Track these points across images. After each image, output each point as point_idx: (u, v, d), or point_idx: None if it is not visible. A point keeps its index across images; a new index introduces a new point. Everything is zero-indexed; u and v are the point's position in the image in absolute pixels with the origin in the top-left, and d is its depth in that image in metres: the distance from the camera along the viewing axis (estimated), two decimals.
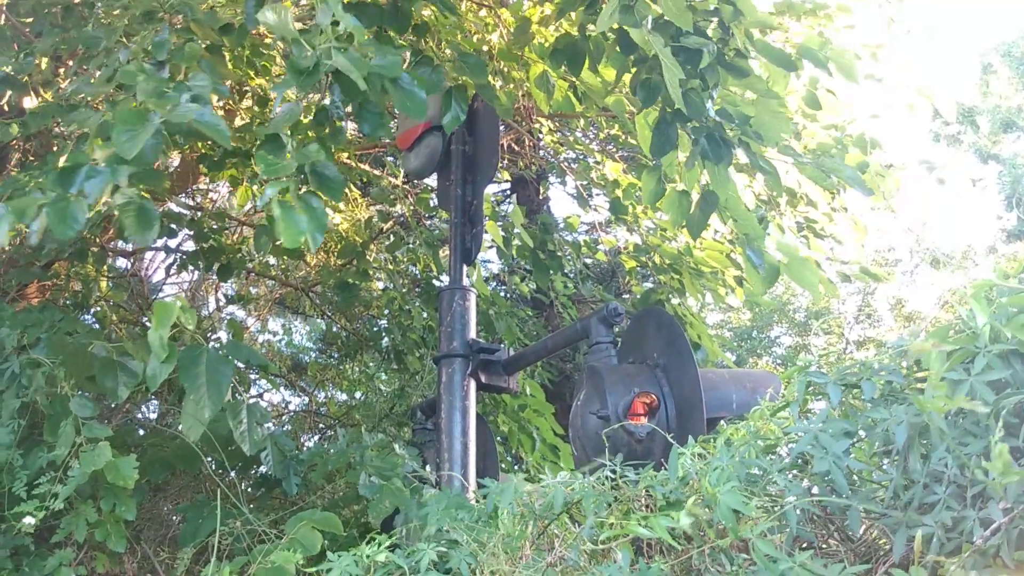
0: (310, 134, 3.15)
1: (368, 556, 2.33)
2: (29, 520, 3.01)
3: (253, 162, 5.30)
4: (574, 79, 4.79)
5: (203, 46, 3.20)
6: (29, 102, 4.47)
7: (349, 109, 3.23)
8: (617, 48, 3.67)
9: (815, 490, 1.92)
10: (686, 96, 3.31)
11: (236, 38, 3.34)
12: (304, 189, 2.81)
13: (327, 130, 3.13)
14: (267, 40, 5.16)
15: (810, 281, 4.00)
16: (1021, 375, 1.65)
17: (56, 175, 2.78)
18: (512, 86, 5.24)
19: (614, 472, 2.25)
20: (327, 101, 3.06)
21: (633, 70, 3.68)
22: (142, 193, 2.86)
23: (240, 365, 4.07)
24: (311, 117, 3.28)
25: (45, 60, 4.37)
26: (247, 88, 5.79)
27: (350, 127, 7.54)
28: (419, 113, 3.00)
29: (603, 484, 2.28)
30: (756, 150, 3.59)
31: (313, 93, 3.09)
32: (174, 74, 3.02)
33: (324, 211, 2.81)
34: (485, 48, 5.08)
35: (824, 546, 2.05)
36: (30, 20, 4.45)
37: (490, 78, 5.10)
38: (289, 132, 2.86)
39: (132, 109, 2.68)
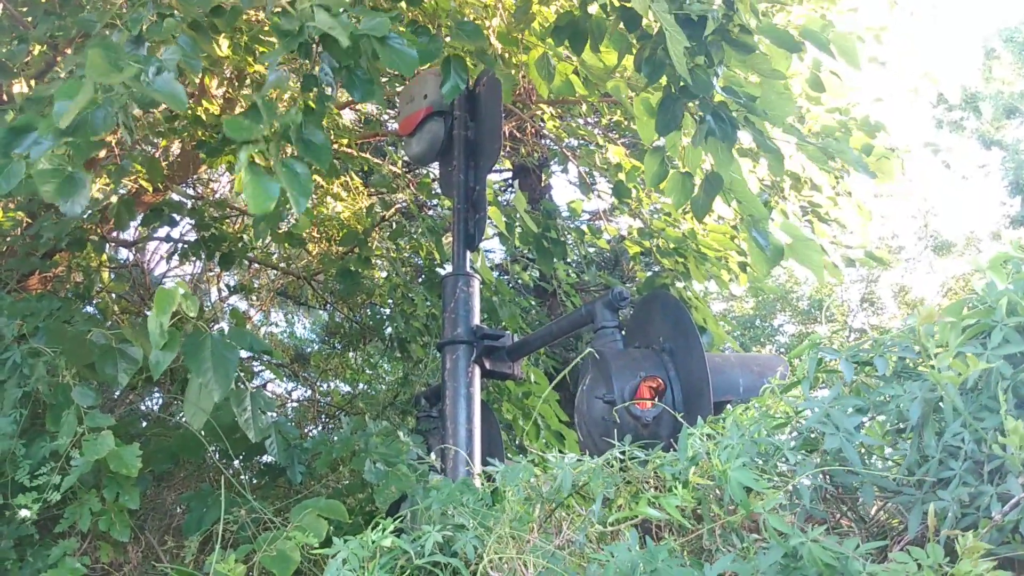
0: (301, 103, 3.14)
1: (374, 541, 2.31)
2: (25, 513, 2.99)
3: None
4: (575, 63, 4.74)
5: (184, 22, 3.16)
6: (18, 89, 4.44)
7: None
8: (620, 26, 3.62)
9: (827, 468, 1.89)
10: (692, 72, 3.26)
11: (227, 20, 3.30)
12: (289, 153, 2.79)
13: (313, 96, 3.11)
14: (266, 28, 5.13)
15: (815, 261, 3.95)
16: None
17: (4, 134, 2.73)
18: (513, 71, 5.19)
19: (622, 454, 2.22)
20: (317, 70, 3.04)
21: (636, 49, 3.64)
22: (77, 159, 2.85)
23: (244, 354, 4.05)
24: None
25: (39, 48, 4.34)
26: (247, 75, 5.75)
27: (347, 118, 7.52)
28: (410, 69, 3.01)
29: (611, 466, 2.25)
30: (761, 128, 3.55)
31: (304, 62, 3.08)
32: (152, 50, 2.98)
33: (309, 176, 2.80)
34: (485, 34, 5.04)
35: (837, 526, 2.02)
36: (25, 9, 4.41)
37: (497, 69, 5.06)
38: (272, 97, 2.84)
39: (73, 80, 2.64)
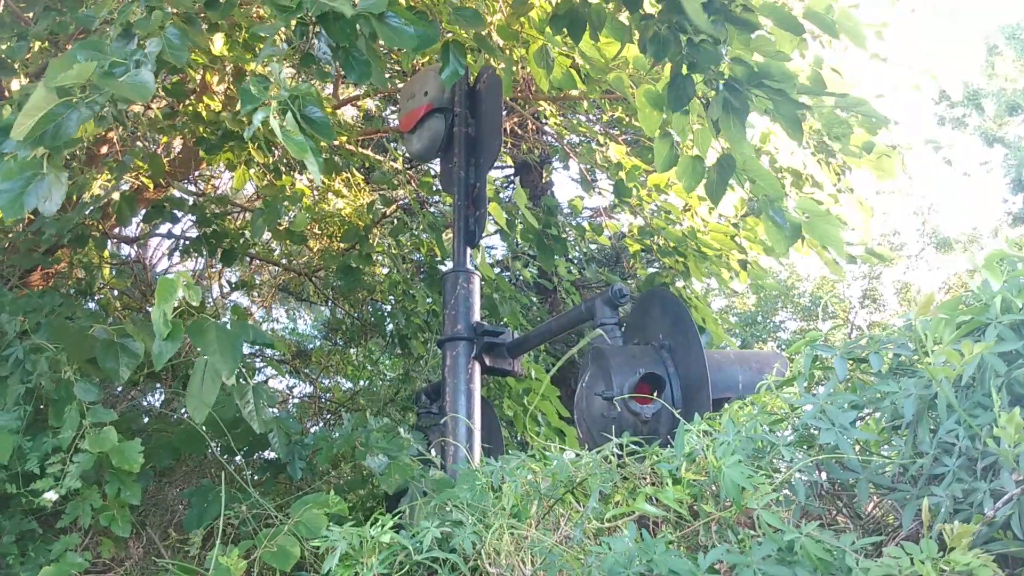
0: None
1: (372, 537, 2.32)
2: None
3: (250, 145, 5.28)
4: (574, 56, 4.74)
5: (173, 14, 3.17)
6: (17, 85, 4.46)
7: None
8: (620, 13, 3.61)
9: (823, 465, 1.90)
10: (698, 47, 3.27)
11: (220, 12, 3.32)
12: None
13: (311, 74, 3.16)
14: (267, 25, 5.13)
15: (834, 237, 3.91)
16: None
17: None
18: (513, 67, 5.19)
19: (620, 449, 2.23)
20: (315, 48, 3.07)
21: (636, 38, 3.64)
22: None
23: (246, 349, 4.06)
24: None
25: (39, 44, 4.35)
26: (247, 72, 5.76)
27: (349, 114, 7.54)
28: (409, 46, 3.04)
29: (609, 462, 2.27)
30: (779, 89, 3.52)
31: (300, 42, 3.10)
32: (142, 44, 3.01)
33: (316, 146, 2.84)
34: (484, 31, 5.04)
35: (832, 523, 2.03)
36: (24, 4, 4.42)
37: (491, 61, 5.06)
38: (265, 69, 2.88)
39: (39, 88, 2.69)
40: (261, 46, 5.01)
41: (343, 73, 3.22)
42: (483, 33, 4.59)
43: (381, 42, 3.20)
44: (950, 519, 1.54)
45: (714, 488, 1.97)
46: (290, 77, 3.05)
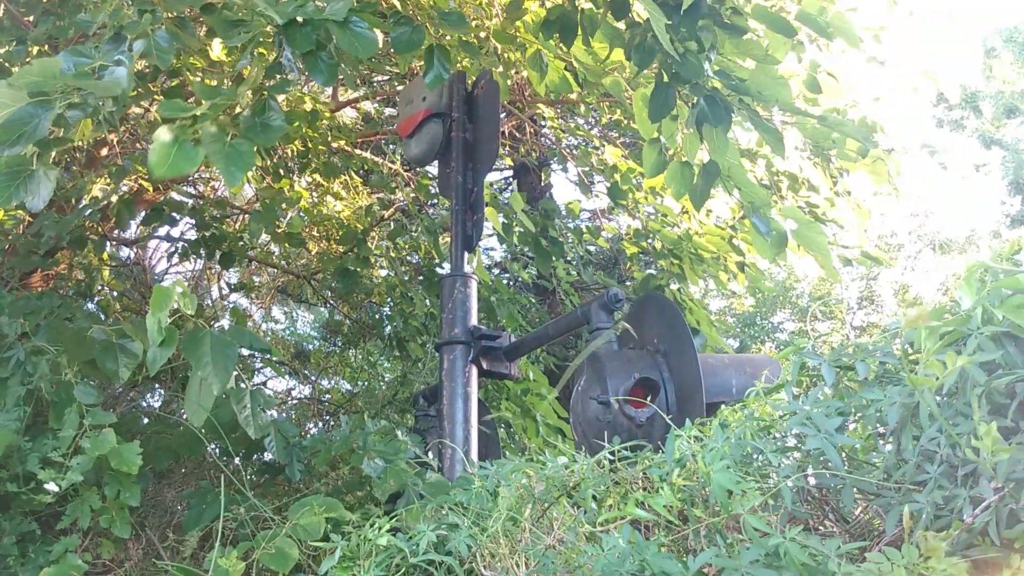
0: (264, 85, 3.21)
1: (369, 540, 2.35)
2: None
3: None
4: (569, 59, 4.77)
5: (167, 17, 3.20)
6: None
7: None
8: (609, 16, 3.64)
9: (810, 470, 1.94)
10: (683, 58, 3.28)
11: (216, 17, 3.36)
12: (232, 136, 2.86)
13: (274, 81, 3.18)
14: (266, 28, 5.15)
15: (821, 245, 3.94)
16: (1013, 356, 1.66)
17: None
18: (512, 71, 5.22)
19: (613, 454, 2.26)
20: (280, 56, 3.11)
21: (627, 39, 3.67)
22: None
23: (244, 353, 4.09)
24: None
25: (37, 48, 4.38)
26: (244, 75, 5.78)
27: (350, 115, 7.56)
28: (367, 53, 3.00)
29: (601, 467, 2.30)
30: (756, 108, 3.54)
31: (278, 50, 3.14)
32: (130, 47, 3.03)
33: (252, 153, 2.86)
34: (483, 34, 5.08)
35: (820, 528, 2.07)
36: (23, 9, 4.45)
37: (481, 64, 5.10)
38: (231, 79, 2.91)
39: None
40: (261, 51, 5.05)
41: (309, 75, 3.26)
42: (474, 37, 4.62)
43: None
44: (932, 525, 1.57)
45: (704, 493, 2.00)
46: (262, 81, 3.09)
